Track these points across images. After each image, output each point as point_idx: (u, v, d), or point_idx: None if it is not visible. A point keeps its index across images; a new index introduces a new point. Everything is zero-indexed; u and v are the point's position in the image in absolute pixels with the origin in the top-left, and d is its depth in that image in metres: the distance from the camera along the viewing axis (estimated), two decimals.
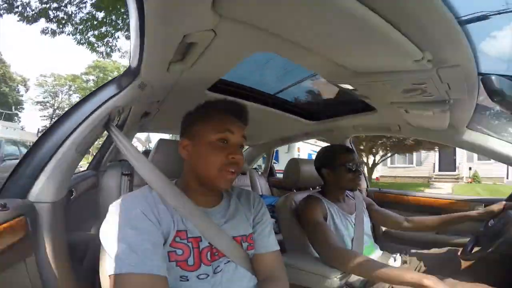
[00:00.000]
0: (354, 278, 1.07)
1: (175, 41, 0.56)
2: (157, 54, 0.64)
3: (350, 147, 1.81)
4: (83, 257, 1.03)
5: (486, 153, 1.24)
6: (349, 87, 0.95)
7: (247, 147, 2.65)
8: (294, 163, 1.44)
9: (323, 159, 1.29)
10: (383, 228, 1.69)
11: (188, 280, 0.61)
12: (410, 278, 0.76)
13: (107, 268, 0.54)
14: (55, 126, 0.70)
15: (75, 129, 0.70)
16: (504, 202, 1.08)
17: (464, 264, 1.09)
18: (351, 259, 0.90)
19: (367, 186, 1.91)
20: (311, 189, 1.57)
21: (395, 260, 1.21)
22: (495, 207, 1.07)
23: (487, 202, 1.34)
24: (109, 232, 0.57)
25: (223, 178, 0.66)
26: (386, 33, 0.55)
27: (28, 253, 0.60)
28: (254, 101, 1.30)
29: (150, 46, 0.57)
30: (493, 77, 0.68)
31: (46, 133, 0.70)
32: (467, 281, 0.92)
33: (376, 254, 1.23)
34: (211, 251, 0.65)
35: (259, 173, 2.68)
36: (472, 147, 1.28)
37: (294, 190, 1.50)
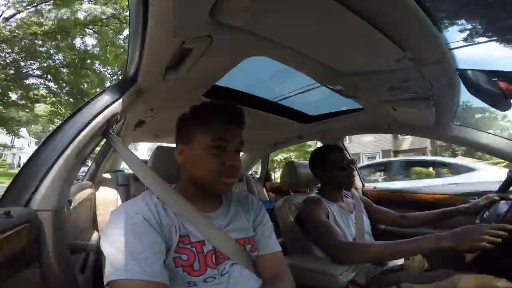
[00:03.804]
0: (359, 276, 1.09)
1: (173, 47, 0.59)
2: (155, 61, 0.67)
3: (342, 146, 1.87)
4: (84, 267, 1.02)
5: (474, 147, 1.30)
6: (338, 87, 0.99)
7: (242, 153, 2.67)
8: (291, 166, 1.47)
9: (315, 160, 1.33)
10: (382, 226, 1.72)
11: (195, 285, 0.61)
12: (428, 248, 0.86)
13: (107, 275, 0.55)
14: (55, 134, 0.71)
15: (75, 137, 0.72)
16: (490, 195, 1.13)
17: (468, 257, 1.12)
18: (368, 248, 0.96)
19: (363, 185, 1.95)
20: (308, 190, 1.59)
21: None
22: (482, 202, 1.13)
23: (480, 195, 1.38)
24: (110, 239, 0.57)
25: (222, 184, 0.66)
26: (368, 34, 0.60)
27: (33, 261, 0.60)
28: (248, 106, 1.33)
29: (149, 52, 0.60)
30: (469, 72, 0.73)
31: (46, 141, 0.70)
32: (472, 273, 0.94)
33: None
34: (216, 254, 0.65)
35: (255, 179, 2.70)
36: (460, 142, 1.33)
37: (292, 193, 1.52)
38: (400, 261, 1.23)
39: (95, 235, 1.23)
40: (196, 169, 0.67)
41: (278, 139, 2.12)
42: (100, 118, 0.77)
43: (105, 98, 0.78)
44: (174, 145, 0.78)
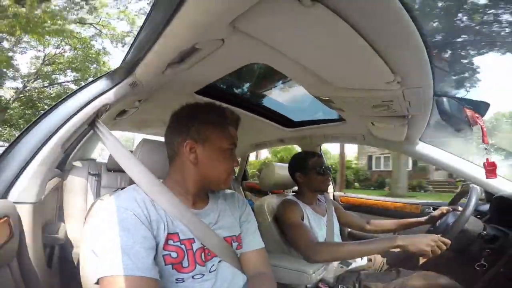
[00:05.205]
0: (328, 274, 1.17)
1: (184, 46, 0.58)
2: (160, 56, 0.65)
3: (320, 153, 1.96)
4: (50, 261, 0.94)
5: (435, 163, 1.46)
6: (328, 99, 1.05)
7: None
8: (270, 168, 1.51)
9: (295, 164, 1.39)
10: (348, 230, 1.85)
11: (183, 281, 0.62)
12: (388, 246, 0.96)
13: (93, 270, 0.53)
14: (40, 121, 0.65)
15: (62, 126, 0.67)
16: (444, 208, 1.28)
17: (422, 259, 1.27)
18: (337, 248, 1.05)
19: (334, 190, 2.06)
20: (284, 192, 1.65)
21: (361, 259, 1.35)
22: (437, 213, 1.28)
23: (434, 205, 1.56)
24: (99, 234, 0.55)
25: (228, 181, 0.74)
26: (368, 56, 0.64)
27: (12, 257, 0.55)
28: (234, 105, 1.33)
29: (158, 47, 0.58)
30: (445, 99, 0.83)
31: (29, 128, 0.64)
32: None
33: None
34: (204, 252, 0.67)
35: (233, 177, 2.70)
36: (423, 158, 1.48)
37: (270, 193, 1.56)
38: (363, 262, 1.35)
39: (62, 227, 1.15)
40: (209, 167, 0.70)
41: (260, 141, 2.15)
42: (90, 107, 0.72)
43: (98, 87, 0.74)
44: (156, 138, 0.77)
